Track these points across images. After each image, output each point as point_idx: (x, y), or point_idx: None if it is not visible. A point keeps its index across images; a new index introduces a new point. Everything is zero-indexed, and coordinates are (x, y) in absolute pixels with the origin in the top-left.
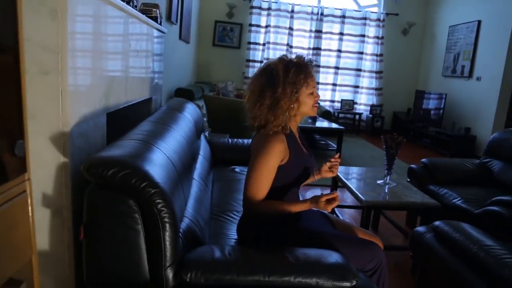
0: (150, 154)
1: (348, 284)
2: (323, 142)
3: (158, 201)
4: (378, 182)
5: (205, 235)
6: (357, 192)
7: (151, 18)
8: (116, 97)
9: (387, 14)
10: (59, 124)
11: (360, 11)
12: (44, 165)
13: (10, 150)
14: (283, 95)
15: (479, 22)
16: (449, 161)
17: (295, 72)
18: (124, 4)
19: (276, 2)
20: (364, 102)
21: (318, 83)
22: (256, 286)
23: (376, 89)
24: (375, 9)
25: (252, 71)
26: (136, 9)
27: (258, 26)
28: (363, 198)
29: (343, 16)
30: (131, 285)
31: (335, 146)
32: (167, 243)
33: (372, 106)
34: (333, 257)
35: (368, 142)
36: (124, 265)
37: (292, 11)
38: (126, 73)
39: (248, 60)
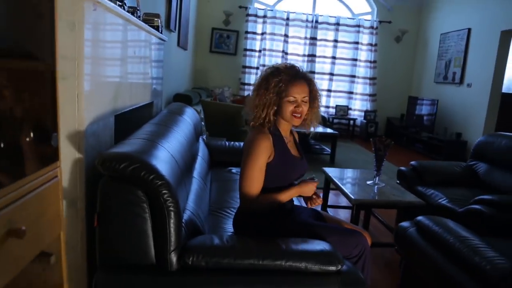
0: (156, 151)
1: (333, 268)
2: (317, 147)
3: (164, 191)
4: (368, 182)
5: (205, 227)
6: (347, 192)
7: (153, 27)
8: (122, 101)
9: (380, 22)
10: (75, 123)
11: (353, 18)
12: (61, 160)
13: (47, 142)
14: (264, 95)
15: (469, 30)
16: (437, 164)
17: (278, 78)
18: (130, 15)
19: (271, 10)
20: (358, 108)
21: None
22: (251, 269)
23: (370, 95)
24: (369, 17)
25: (248, 77)
26: (139, 19)
27: (254, 33)
28: (352, 197)
29: (337, 24)
30: (139, 268)
31: (329, 151)
32: (172, 229)
33: (366, 112)
34: (321, 245)
35: (362, 147)
36: (133, 249)
37: (287, 18)
38: (131, 79)
39: (244, 67)
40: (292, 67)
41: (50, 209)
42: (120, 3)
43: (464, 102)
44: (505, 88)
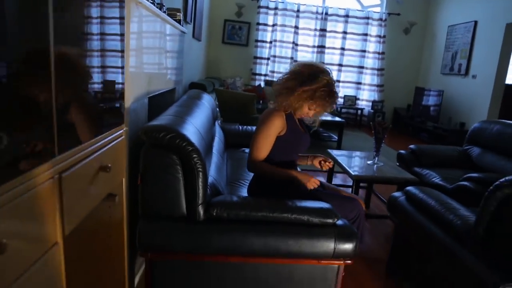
0: (185, 125)
1: (330, 220)
2: (325, 134)
3: (194, 156)
4: (368, 162)
5: (224, 192)
6: (347, 168)
7: (176, 20)
8: (154, 85)
9: (389, 14)
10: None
11: (363, 11)
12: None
13: (117, 108)
14: (300, 94)
15: (476, 22)
16: (434, 148)
17: (323, 93)
18: (159, 11)
19: (282, 2)
20: (366, 98)
21: None
22: (263, 220)
23: (377, 85)
24: (378, 9)
25: (259, 68)
26: (165, 14)
27: (265, 24)
28: (352, 173)
29: (347, 16)
30: (173, 218)
31: (336, 138)
32: (200, 187)
33: (373, 102)
34: (321, 204)
35: (369, 136)
36: (168, 203)
37: (298, 10)
38: (159, 67)
39: (256, 57)
40: (330, 84)
41: (118, 159)
42: (152, 1)
43: (468, 92)
44: (509, 80)
